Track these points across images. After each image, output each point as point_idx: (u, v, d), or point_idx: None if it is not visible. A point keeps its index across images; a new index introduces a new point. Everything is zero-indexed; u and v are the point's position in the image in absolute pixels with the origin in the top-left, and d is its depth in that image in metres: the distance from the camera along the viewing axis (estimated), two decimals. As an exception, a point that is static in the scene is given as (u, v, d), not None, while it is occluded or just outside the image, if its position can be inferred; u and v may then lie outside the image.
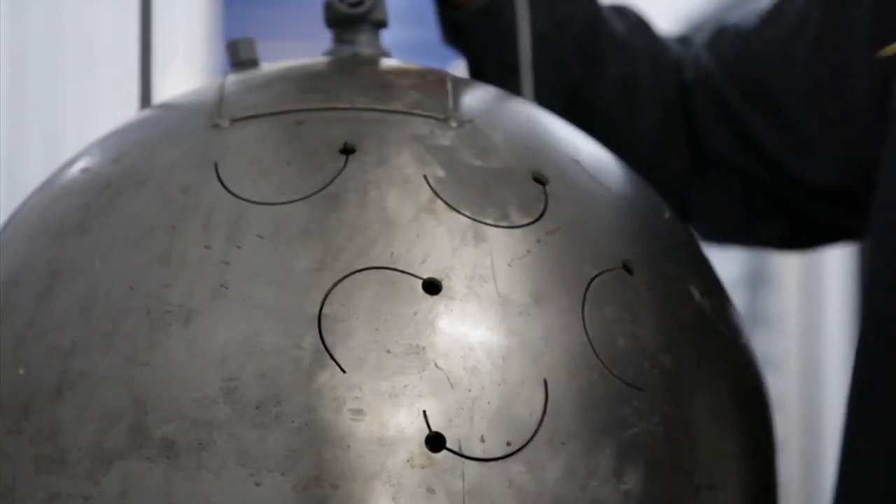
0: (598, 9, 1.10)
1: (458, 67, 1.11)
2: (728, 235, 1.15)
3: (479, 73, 1.05)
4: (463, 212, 0.69)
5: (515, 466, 0.65)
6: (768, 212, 1.08)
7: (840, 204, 1.03)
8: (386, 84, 0.78)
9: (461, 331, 0.66)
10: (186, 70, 3.37)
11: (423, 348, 0.65)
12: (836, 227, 1.06)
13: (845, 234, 1.09)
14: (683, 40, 1.13)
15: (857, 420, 0.93)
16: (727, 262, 3.12)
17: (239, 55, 0.81)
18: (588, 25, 1.08)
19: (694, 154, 1.09)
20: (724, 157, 1.08)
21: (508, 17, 0.91)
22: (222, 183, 0.70)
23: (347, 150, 0.71)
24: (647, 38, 1.11)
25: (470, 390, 0.65)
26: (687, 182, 1.10)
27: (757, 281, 3.14)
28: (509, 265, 0.68)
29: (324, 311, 0.65)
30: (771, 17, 1.06)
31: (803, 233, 1.10)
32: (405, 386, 0.64)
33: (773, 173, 1.06)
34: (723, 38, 1.09)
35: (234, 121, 0.73)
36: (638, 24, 1.12)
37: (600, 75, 1.09)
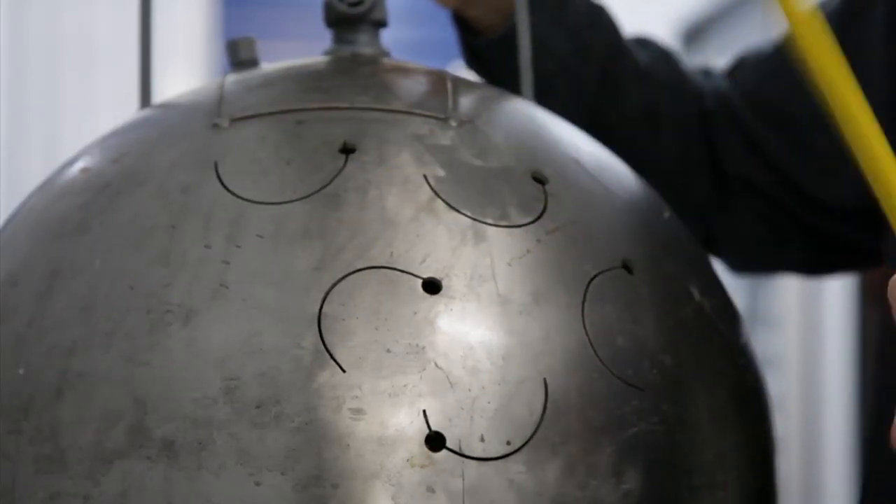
0: (619, 38, 1.11)
1: (458, 67, 1.12)
2: (754, 262, 1.16)
3: None
4: (463, 211, 0.69)
5: (515, 466, 0.65)
6: (792, 235, 1.09)
7: (860, 223, 1.03)
8: (386, 84, 0.78)
9: (461, 330, 0.66)
10: (186, 70, 3.37)
11: (423, 348, 0.65)
12: (860, 248, 1.07)
13: (870, 257, 1.10)
14: (706, 72, 1.14)
15: (878, 430, 0.94)
16: (727, 262, 3.12)
17: (239, 55, 0.81)
18: (610, 53, 1.10)
19: (716, 180, 1.10)
20: (746, 181, 1.09)
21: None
22: (222, 183, 0.70)
23: (347, 150, 0.71)
24: (669, 67, 1.12)
25: (470, 390, 0.65)
26: (711, 208, 1.11)
27: (757, 281, 3.14)
28: (509, 265, 0.68)
29: (324, 310, 0.65)
30: (787, 40, 1.08)
31: (828, 256, 1.11)
32: (405, 385, 0.64)
33: (793, 194, 1.07)
34: (742, 66, 1.12)
35: (234, 120, 0.73)
36: (661, 55, 1.13)
37: (622, 101, 1.10)
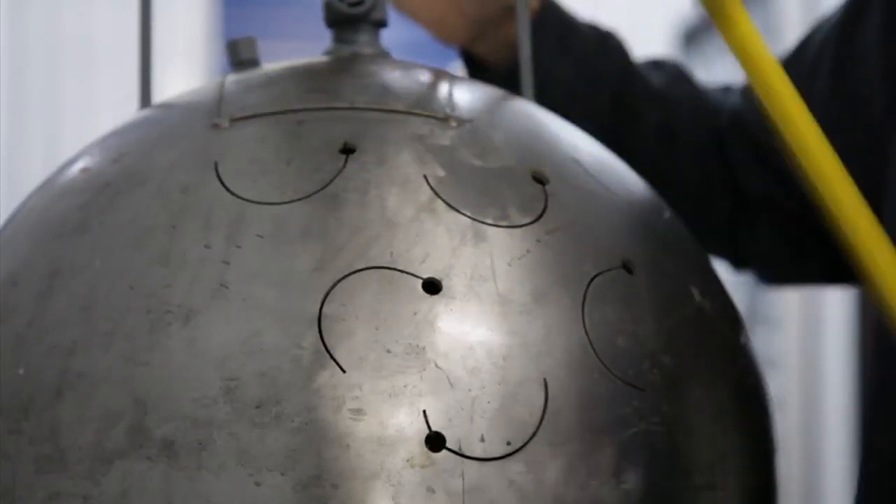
0: (629, 62, 1.11)
1: (459, 67, 1.12)
2: (780, 275, 1.17)
3: None
4: (463, 211, 0.69)
5: (515, 466, 0.65)
6: (812, 247, 1.10)
7: None
8: (386, 84, 0.78)
9: (461, 330, 0.66)
10: (186, 70, 3.37)
11: (423, 348, 0.65)
12: None
13: None
14: (726, 89, 1.15)
15: (873, 427, 0.94)
16: (727, 262, 3.12)
17: (239, 55, 0.81)
18: (620, 78, 1.10)
19: (736, 197, 1.11)
20: (762, 197, 1.10)
21: (534, 74, 0.93)
22: (222, 182, 0.70)
23: (347, 150, 0.71)
24: (684, 87, 1.13)
25: (470, 390, 0.65)
26: (733, 225, 1.12)
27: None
28: (509, 265, 0.68)
29: (324, 310, 0.65)
30: (794, 55, 1.09)
31: (848, 267, 1.11)
32: (405, 386, 0.64)
33: (805, 206, 1.07)
34: None
35: (234, 120, 0.73)
36: (676, 75, 1.14)
37: (637, 124, 1.10)
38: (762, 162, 1.09)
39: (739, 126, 1.10)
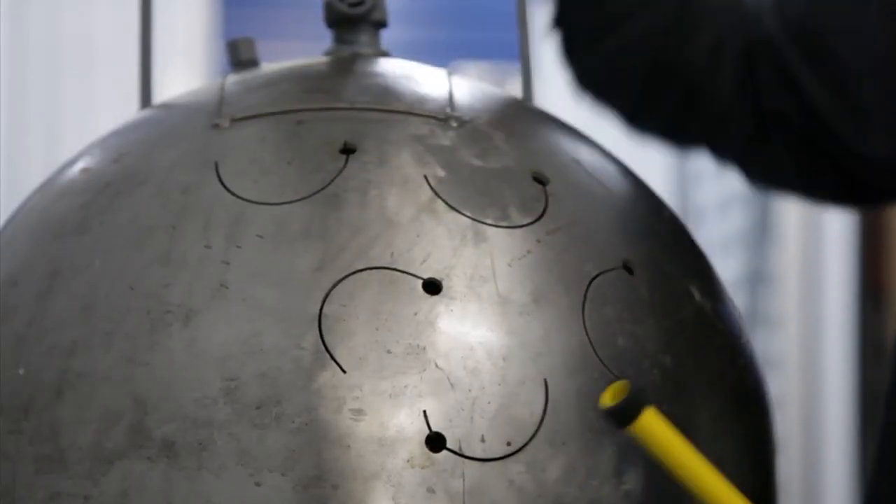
0: None
1: (459, 67, 1.12)
2: (784, 188, 1.16)
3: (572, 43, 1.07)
4: (463, 212, 0.69)
5: (515, 466, 0.65)
6: (824, 172, 1.09)
7: (894, 174, 1.03)
8: (386, 84, 0.78)
9: (461, 331, 0.66)
10: (186, 70, 3.37)
11: (424, 348, 0.65)
12: (893, 190, 1.07)
13: None
14: None
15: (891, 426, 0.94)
16: (727, 262, 3.12)
17: (239, 55, 0.81)
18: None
19: (755, 110, 1.09)
20: (781, 117, 1.08)
21: None
22: (222, 183, 0.70)
23: (347, 150, 0.71)
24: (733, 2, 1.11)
25: (470, 390, 0.65)
26: (748, 136, 1.10)
27: (757, 281, 3.14)
28: (509, 265, 0.68)
29: (324, 310, 0.65)
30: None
31: (860, 193, 1.11)
32: (405, 386, 0.64)
33: (828, 139, 1.06)
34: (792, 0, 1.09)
35: (235, 121, 0.73)
36: None
37: (692, 41, 1.09)
38: (788, 83, 1.06)
39: (770, 43, 1.07)
